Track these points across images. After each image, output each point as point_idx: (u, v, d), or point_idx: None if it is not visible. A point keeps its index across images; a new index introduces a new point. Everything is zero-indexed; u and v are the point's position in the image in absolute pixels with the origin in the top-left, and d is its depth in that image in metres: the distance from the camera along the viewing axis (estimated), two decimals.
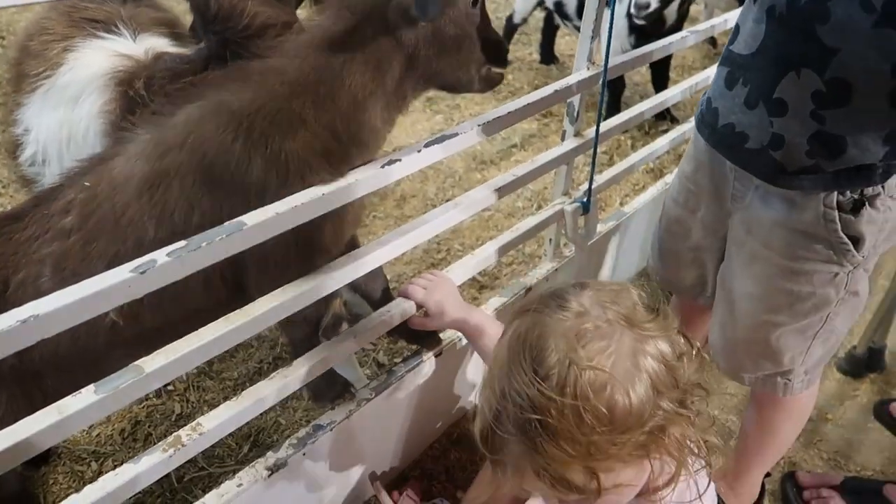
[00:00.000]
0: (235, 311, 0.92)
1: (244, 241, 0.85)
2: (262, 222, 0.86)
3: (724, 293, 1.17)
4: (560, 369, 0.69)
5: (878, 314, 1.80)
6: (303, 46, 0.96)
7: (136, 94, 1.19)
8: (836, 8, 0.86)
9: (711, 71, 2.13)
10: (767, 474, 1.46)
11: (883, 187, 0.97)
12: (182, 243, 0.81)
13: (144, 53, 1.28)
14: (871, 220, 0.98)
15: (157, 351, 0.85)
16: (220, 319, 0.91)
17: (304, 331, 1.16)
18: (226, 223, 0.85)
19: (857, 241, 0.99)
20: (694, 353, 0.76)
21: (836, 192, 0.97)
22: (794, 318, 1.07)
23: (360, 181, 0.97)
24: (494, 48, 1.05)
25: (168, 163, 0.93)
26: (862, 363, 1.81)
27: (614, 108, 2.83)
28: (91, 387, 0.80)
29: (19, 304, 0.71)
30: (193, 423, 0.96)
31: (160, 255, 0.78)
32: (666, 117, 2.89)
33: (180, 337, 0.89)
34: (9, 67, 1.41)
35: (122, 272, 0.76)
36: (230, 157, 0.92)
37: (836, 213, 0.98)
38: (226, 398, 1.59)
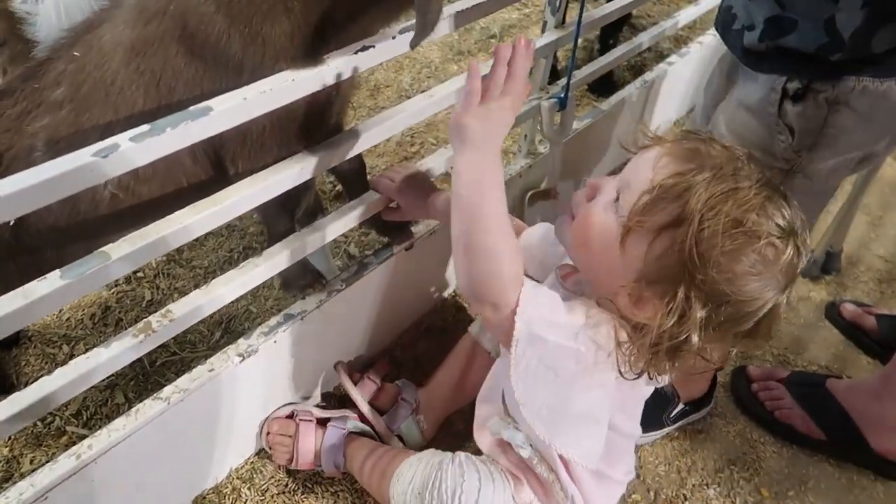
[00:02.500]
0: (204, 199, 0.91)
1: (211, 127, 0.82)
2: (229, 108, 0.82)
3: None
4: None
5: (836, 218, 1.84)
6: None
7: None
8: None
9: None
10: (720, 367, 1.54)
11: (833, 87, 0.96)
12: (145, 127, 0.78)
13: None
14: (808, 114, 0.98)
15: (125, 237, 0.84)
16: (187, 207, 0.89)
17: (281, 218, 1.15)
18: (191, 108, 0.81)
19: (792, 131, 1.00)
20: None
21: (785, 78, 0.98)
22: None
23: (332, 68, 0.93)
24: None
25: (152, 30, 0.90)
26: (818, 266, 1.87)
27: None
28: (57, 272, 0.79)
29: None
30: (164, 310, 0.97)
31: (123, 140, 0.75)
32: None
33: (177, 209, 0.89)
34: None
35: (83, 155, 0.73)
36: (210, 30, 0.89)
37: (779, 95, 0.99)
38: (196, 286, 1.61)
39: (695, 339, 0.79)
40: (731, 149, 0.84)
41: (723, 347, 0.87)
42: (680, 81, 2.17)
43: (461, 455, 1.00)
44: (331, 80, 0.94)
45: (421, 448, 1.20)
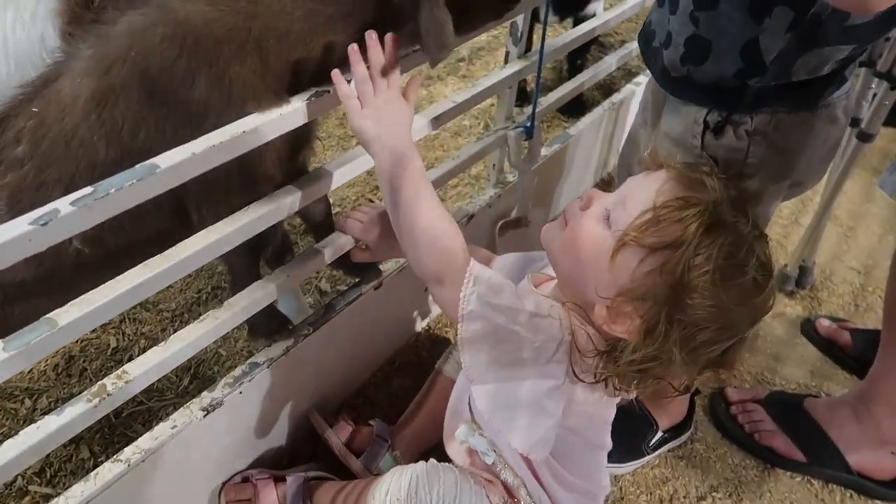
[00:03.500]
0: (157, 256, 0.88)
1: (159, 186, 0.80)
2: (176, 164, 0.80)
3: None
4: None
5: (808, 231, 1.85)
6: None
7: None
8: None
9: None
10: (697, 391, 1.53)
11: (751, 119, 0.98)
12: (88, 190, 0.75)
13: None
14: (732, 146, 1.01)
15: (72, 301, 0.81)
16: (139, 266, 0.86)
17: (243, 261, 1.12)
18: (137, 166, 0.79)
19: (716, 162, 1.02)
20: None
21: (706, 110, 1.00)
22: None
23: (286, 115, 0.91)
24: None
25: (112, 77, 0.87)
26: (792, 281, 1.88)
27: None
28: (0, 342, 0.76)
29: None
30: (119, 371, 0.93)
31: (63, 205, 0.72)
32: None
33: (150, 256, 0.88)
34: None
35: (21, 224, 0.70)
36: (173, 74, 0.87)
37: (701, 128, 1.01)
38: (163, 330, 1.57)
39: (676, 356, 0.82)
40: (728, 186, 0.87)
41: (691, 373, 0.89)
42: None
43: (432, 461, 1.00)
44: (288, 128, 0.92)
45: None
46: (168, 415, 1.08)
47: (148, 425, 1.38)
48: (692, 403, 1.48)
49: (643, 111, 1.29)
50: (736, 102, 0.99)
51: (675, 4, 1.02)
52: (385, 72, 0.92)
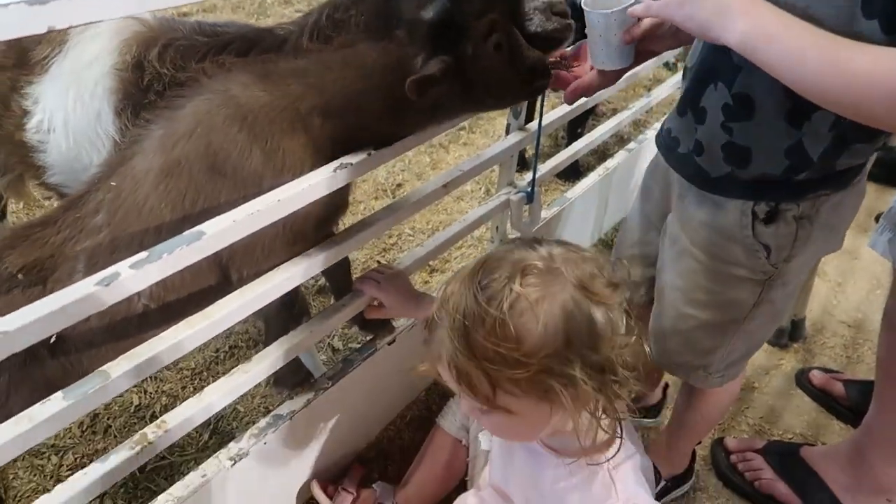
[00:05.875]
0: (197, 314, 0.97)
1: (204, 250, 0.89)
2: (220, 231, 0.90)
3: (658, 284, 1.26)
4: (497, 286, 0.81)
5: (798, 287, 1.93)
6: (335, 61, 1.03)
7: (148, 63, 1.21)
8: None
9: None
10: (698, 442, 1.59)
11: (798, 205, 1.04)
12: (144, 254, 0.84)
13: (156, 20, 1.29)
14: (780, 232, 1.06)
15: (123, 355, 0.89)
16: (180, 323, 0.95)
17: (282, 317, 1.23)
18: (185, 232, 0.89)
19: (768, 249, 1.07)
20: (632, 338, 0.85)
21: (752, 201, 1.05)
22: (712, 315, 1.16)
23: (314, 185, 1.01)
24: (529, 71, 1.10)
25: (178, 152, 1.00)
26: (785, 334, 1.95)
27: None
28: (59, 393, 0.84)
29: None
30: (158, 421, 1.01)
31: (123, 268, 0.82)
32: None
33: (204, 307, 0.98)
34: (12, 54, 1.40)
35: (87, 285, 0.79)
36: (232, 147, 1.00)
37: (750, 219, 1.05)
38: (183, 388, 1.64)
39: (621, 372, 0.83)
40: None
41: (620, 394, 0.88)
42: (644, 162, 2.30)
43: None
44: (318, 195, 1.02)
45: None
46: (189, 469, 1.14)
47: (170, 479, 1.43)
48: (693, 454, 1.54)
49: (646, 201, 1.32)
50: (784, 193, 1.03)
51: (701, 115, 1.03)
52: None
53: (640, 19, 0.97)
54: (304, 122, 1.01)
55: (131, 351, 0.90)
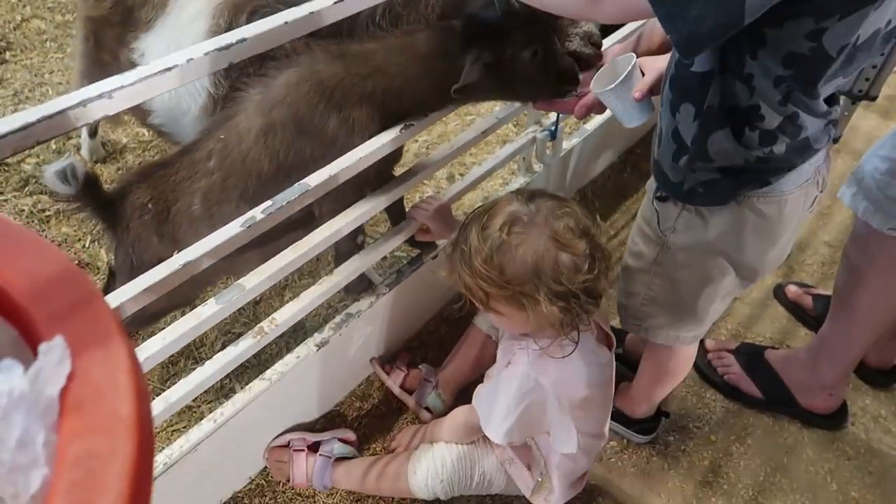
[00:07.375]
0: (303, 239, 1.29)
1: (311, 197, 1.21)
2: (321, 183, 1.20)
3: None
4: (492, 231, 1.14)
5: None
6: (397, 47, 1.27)
7: (236, 27, 1.42)
8: None
9: None
10: (667, 414, 1.80)
11: (675, 203, 1.20)
12: (269, 203, 1.16)
13: None
14: (667, 207, 1.22)
15: (252, 271, 1.23)
16: (291, 247, 1.28)
17: (348, 243, 1.55)
18: (296, 184, 1.20)
19: (659, 216, 1.25)
20: (593, 276, 1.15)
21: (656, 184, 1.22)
22: (633, 261, 1.36)
23: (385, 144, 1.30)
24: (560, 78, 1.34)
25: (274, 116, 1.27)
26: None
27: None
28: (212, 300, 1.18)
29: (178, 227, 1.20)
30: (270, 318, 1.36)
31: (257, 213, 1.14)
32: None
33: (298, 239, 1.30)
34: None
35: (234, 227, 1.11)
36: (315, 114, 1.26)
37: (652, 195, 1.26)
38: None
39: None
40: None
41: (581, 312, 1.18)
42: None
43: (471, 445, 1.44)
44: (388, 151, 1.31)
45: (443, 413, 1.60)
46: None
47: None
48: (658, 411, 1.75)
49: None
50: (668, 186, 1.20)
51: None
52: None
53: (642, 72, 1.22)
54: (370, 97, 1.27)
55: (256, 269, 1.24)
